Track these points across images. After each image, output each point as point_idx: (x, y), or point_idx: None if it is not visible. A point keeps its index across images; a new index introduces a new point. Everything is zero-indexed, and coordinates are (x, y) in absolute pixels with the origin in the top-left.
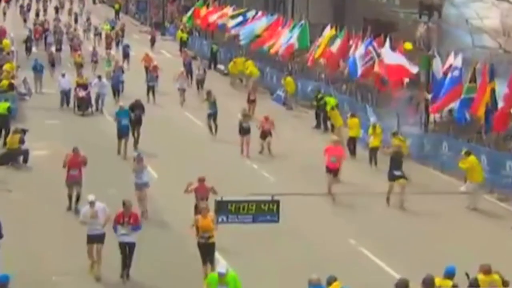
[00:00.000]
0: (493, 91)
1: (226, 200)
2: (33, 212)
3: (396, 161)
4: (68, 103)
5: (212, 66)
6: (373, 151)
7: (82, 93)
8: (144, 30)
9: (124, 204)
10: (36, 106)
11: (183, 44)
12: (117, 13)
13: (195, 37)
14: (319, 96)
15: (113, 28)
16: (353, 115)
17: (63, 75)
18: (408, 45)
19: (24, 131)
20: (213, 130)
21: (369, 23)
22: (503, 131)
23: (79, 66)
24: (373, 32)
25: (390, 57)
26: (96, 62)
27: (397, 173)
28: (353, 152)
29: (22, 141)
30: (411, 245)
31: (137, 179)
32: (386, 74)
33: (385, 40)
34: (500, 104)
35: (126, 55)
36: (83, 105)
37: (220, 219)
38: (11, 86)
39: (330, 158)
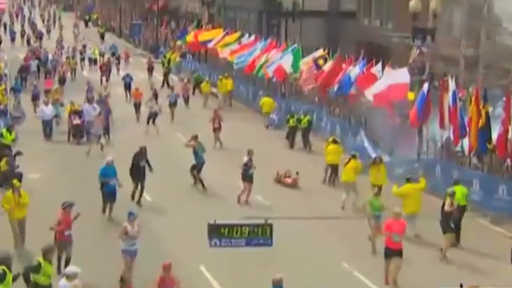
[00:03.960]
0: (487, 114)
1: (219, 224)
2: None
3: (449, 217)
4: (50, 134)
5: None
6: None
7: (77, 121)
8: (138, 53)
9: (122, 281)
10: (28, 130)
11: (168, 68)
12: (102, 36)
13: (188, 60)
14: (297, 117)
15: (113, 54)
16: (334, 141)
17: (46, 103)
18: (411, 95)
19: (17, 154)
20: (199, 183)
21: (362, 46)
22: (505, 157)
23: (56, 101)
24: (366, 56)
25: (391, 77)
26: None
27: (451, 226)
28: (333, 178)
29: (11, 164)
30: (404, 269)
31: (126, 245)
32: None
33: (377, 64)
34: (498, 128)
35: (127, 86)
36: (78, 133)
37: (213, 243)
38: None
39: (392, 237)
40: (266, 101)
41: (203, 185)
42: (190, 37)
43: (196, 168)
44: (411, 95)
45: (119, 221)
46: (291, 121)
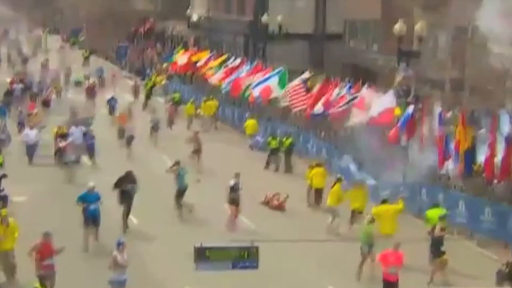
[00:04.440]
0: (473, 137)
1: (205, 247)
2: None
3: (440, 241)
4: (32, 157)
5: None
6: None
7: (63, 143)
8: (124, 75)
9: None
10: (13, 152)
11: (149, 90)
12: (87, 59)
13: (174, 81)
14: (279, 139)
15: (99, 76)
16: (318, 165)
17: (31, 127)
18: (398, 111)
19: (2, 177)
20: (184, 209)
21: (347, 69)
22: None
23: (35, 124)
24: (351, 78)
25: (380, 104)
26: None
27: (442, 249)
28: (318, 202)
29: None
30: None
31: (116, 275)
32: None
33: (363, 86)
34: (484, 151)
35: (112, 109)
36: (64, 155)
37: (199, 266)
38: None
39: (388, 269)
40: (249, 123)
41: (189, 208)
42: (181, 59)
43: (180, 194)
44: (397, 110)
45: (105, 250)
46: (272, 143)
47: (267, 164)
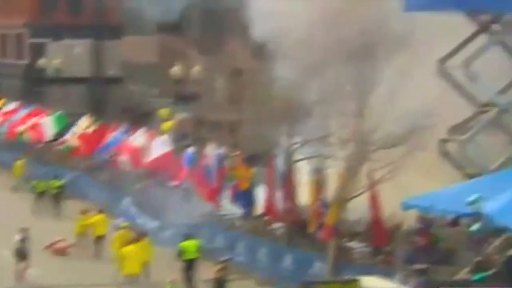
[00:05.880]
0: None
1: None
2: None
3: (221, 283)
4: None
5: None
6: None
7: None
8: None
9: None
10: None
11: None
12: None
13: None
14: (46, 182)
15: None
16: (100, 211)
17: None
18: (167, 126)
19: None
20: None
21: (127, 112)
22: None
23: None
24: (131, 121)
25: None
26: None
27: None
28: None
29: None
30: None
31: None
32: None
33: (140, 129)
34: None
35: None
36: None
37: None
38: None
39: None
40: (17, 164)
41: None
42: None
43: None
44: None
45: None
46: (39, 186)
47: (34, 208)
